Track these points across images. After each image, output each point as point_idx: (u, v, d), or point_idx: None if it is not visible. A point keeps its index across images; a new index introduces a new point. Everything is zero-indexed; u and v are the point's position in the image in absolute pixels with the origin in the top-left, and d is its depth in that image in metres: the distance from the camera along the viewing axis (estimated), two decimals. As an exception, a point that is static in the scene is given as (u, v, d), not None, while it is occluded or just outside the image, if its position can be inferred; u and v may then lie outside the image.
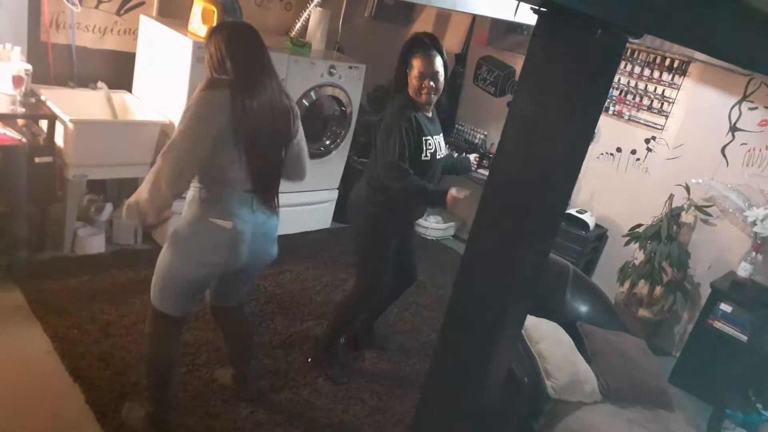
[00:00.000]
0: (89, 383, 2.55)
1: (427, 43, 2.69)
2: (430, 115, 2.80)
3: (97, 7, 3.66)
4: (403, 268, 3.08)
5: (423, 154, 2.70)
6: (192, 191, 2.14)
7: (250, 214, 2.15)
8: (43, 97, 3.29)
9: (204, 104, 2.00)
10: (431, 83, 2.67)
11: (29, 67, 3.18)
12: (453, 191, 2.60)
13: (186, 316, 2.32)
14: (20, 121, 3.20)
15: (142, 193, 2.01)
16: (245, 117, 2.02)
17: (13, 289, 3.02)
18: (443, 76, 2.72)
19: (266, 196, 2.20)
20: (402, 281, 3.15)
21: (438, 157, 2.79)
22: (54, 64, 3.60)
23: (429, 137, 2.73)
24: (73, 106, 3.34)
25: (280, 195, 2.27)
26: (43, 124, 3.24)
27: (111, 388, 2.55)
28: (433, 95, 2.71)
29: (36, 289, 3.05)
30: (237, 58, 2.07)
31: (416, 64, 2.67)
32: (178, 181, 1.99)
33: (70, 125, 3.17)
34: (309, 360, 3.06)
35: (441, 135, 2.87)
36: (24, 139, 3.10)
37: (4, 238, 3.26)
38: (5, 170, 3.38)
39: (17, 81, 3.09)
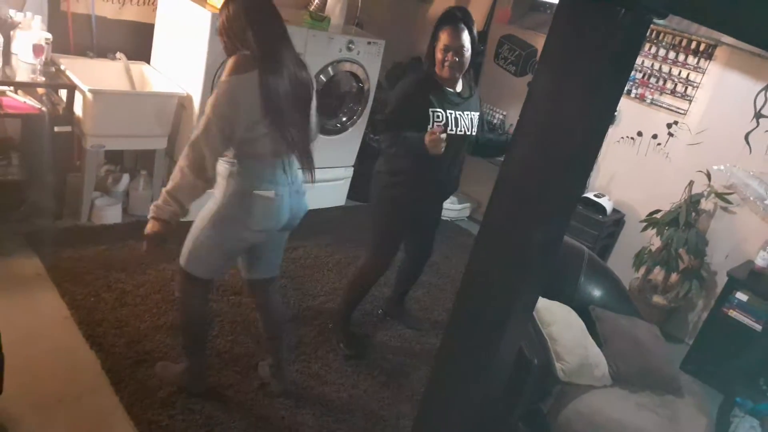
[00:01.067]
0: (105, 350, 2.60)
1: (458, 17, 2.66)
2: (457, 90, 2.77)
3: (117, -24, 3.66)
4: (416, 242, 3.14)
5: (429, 127, 2.65)
6: (225, 167, 2.16)
7: (285, 178, 2.22)
8: (62, 67, 3.31)
9: (234, 90, 2.02)
10: (454, 57, 2.64)
11: (50, 36, 3.19)
12: (431, 129, 2.58)
13: (214, 278, 2.42)
14: (40, 90, 3.22)
15: (175, 180, 2.06)
16: (275, 97, 2.06)
17: (32, 257, 3.07)
18: (469, 51, 2.68)
19: (303, 158, 2.26)
20: (418, 256, 3.22)
21: (450, 131, 2.70)
22: (74, 33, 3.60)
23: (439, 110, 2.69)
24: (92, 76, 3.36)
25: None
26: (63, 93, 3.26)
27: (126, 354, 2.60)
28: (456, 70, 2.68)
29: (54, 257, 3.10)
30: (259, 31, 2.05)
31: (442, 37, 2.65)
32: (209, 165, 2.04)
33: (89, 95, 3.19)
34: (330, 326, 3.14)
35: (469, 113, 2.81)
36: (44, 108, 3.12)
37: (24, 206, 3.32)
38: (25, 138, 3.44)
39: (38, 50, 3.10)
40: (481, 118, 2.92)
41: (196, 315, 2.39)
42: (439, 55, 2.66)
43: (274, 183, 2.18)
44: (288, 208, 2.26)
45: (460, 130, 2.78)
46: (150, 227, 2.07)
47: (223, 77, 2.06)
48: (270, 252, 2.43)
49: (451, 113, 2.74)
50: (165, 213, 2.05)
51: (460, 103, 2.78)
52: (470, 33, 2.66)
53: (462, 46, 2.64)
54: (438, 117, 2.69)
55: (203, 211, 2.24)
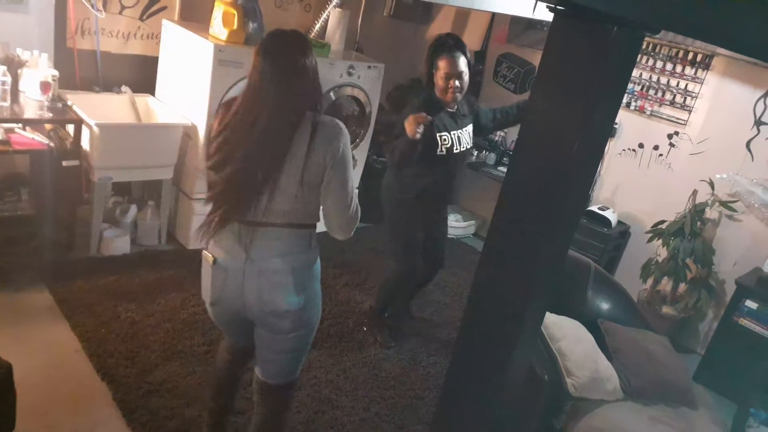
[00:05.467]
0: (116, 381, 2.61)
1: (452, 44, 2.88)
2: (454, 110, 2.99)
3: (120, 12, 3.74)
4: (429, 253, 3.30)
5: (438, 150, 2.92)
6: None
7: (238, 249, 1.81)
8: (69, 102, 3.37)
9: None
10: (456, 83, 2.87)
11: (56, 72, 3.26)
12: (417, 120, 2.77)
13: (238, 347, 2.13)
14: (48, 126, 3.28)
15: None
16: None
17: (42, 290, 3.10)
18: (467, 75, 2.92)
19: (261, 232, 1.81)
20: (429, 266, 3.35)
21: (456, 150, 2.98)
22: (79, 69, 3.68)
23: (445, 133, 2.94)
24: (99, 110, 3.42)
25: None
26: (70, 128, 3.31)
27: (137, 386, 2.61)
28: (458, 94, 2.91)
29: (64, 289, 3.12)
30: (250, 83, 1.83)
31: (442, 65, 2.87)
32: None
33: (96, 129, 3.24)
34: (365, 329, 3.38)
35: (466, 128, 3.05)
36: (52, 144, 3.18)
37: (34, 239, 3.35)
38: (34, 174, 3.49)
39: (45, 87, 3.16)
40: (486, 115, 3.20)
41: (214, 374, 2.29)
42: (441, 83, 2.88)
43: (222, 249, 1.84)
44: (240, 288, 1.82)
45: (463, 148, 3.04)
46: None
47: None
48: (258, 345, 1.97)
49: (455, 134, 2.98)
50: None
51: (459, 121, 3.02)
52: (466, 57, 2.90)
53: (462, 72, 2.87)
54: (445, 141, 2.94)
55: None
